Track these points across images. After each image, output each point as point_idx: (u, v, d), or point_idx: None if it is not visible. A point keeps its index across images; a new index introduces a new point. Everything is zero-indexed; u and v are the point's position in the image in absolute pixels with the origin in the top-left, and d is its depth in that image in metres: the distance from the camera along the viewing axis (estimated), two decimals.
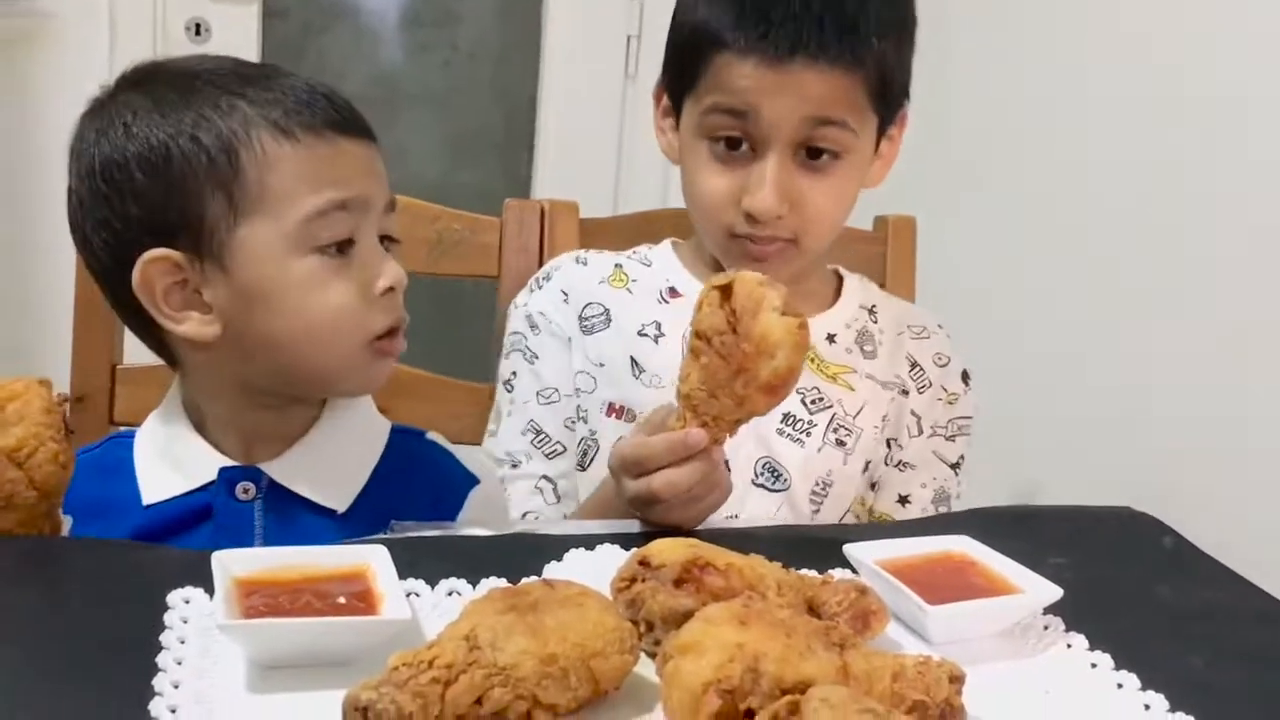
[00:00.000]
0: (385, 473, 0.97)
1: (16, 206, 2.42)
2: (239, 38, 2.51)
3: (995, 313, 2.00)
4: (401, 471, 0.99)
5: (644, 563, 0.72)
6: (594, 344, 1.18)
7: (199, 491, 0.91)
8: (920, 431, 1.20)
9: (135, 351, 1.32)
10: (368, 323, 0.89)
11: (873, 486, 1.20)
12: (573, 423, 1.19)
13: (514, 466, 1.17)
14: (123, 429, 0.99)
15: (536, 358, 1.20)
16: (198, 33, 2.54)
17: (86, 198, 0.88)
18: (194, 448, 0.92)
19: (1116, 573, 0.85)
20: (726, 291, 0.83)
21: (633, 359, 1.17)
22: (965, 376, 1.23)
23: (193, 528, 0.90)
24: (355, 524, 0.92)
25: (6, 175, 2.43)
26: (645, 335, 1.18)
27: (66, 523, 0.81)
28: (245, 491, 0.91)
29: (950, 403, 1.21)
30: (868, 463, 1.18)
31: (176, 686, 0.62)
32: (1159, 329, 1.74)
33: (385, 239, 0.92)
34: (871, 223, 1.46)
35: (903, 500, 1.19)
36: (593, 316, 1.19)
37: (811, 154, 1.07)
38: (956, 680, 0.64)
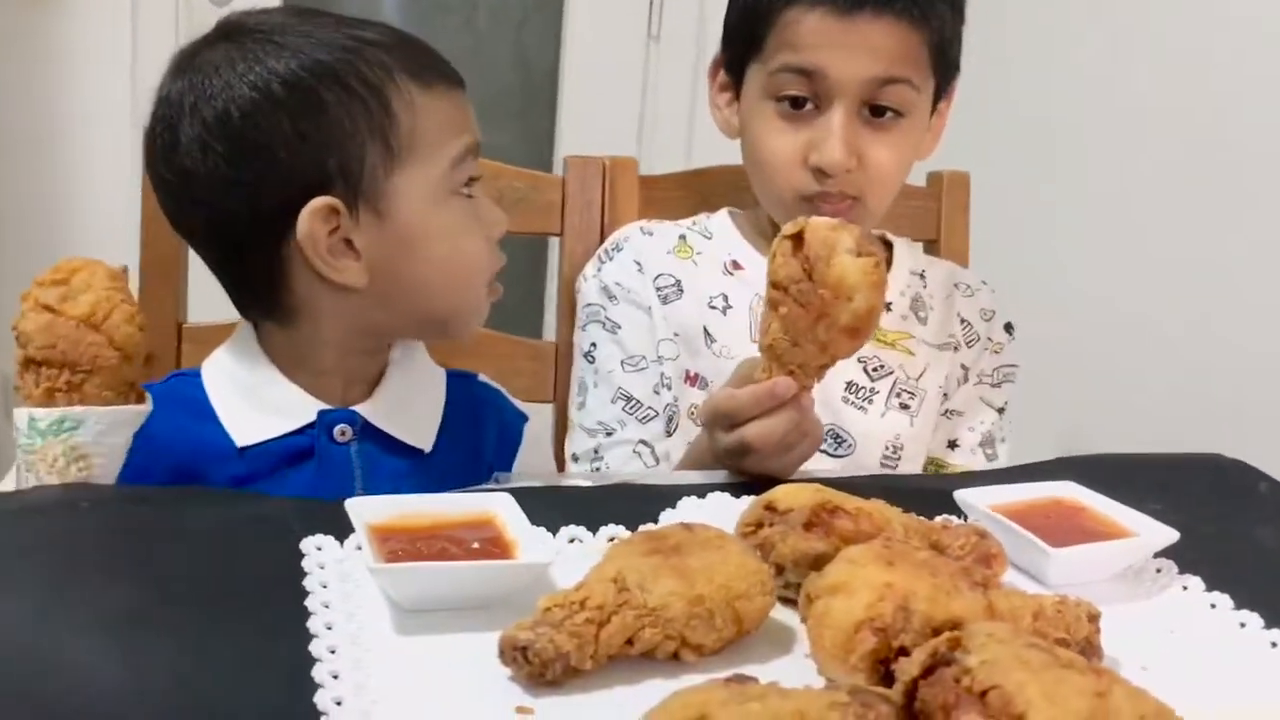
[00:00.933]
0: (453, 413, 0.99)
1: (50, 166, 2.41)
2: None
3: (1046, 267, 2.00)
4: (467, 411, 1.01)
5: (770, 508, 0.73)
6: (672, 313, 1.19)
7: (294, 435, 0.91)
8: (967, 381, 1.23)
9: (199, 310, 1.34)
10: (491, 264, 0.93)
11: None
12: (659, 389, 1.19)
13: (608, 435, 1.17)
14: (182, 369, 0.99)
15: (619, 327, 1.20)
16: None
17: (217, 152, 0.84)
18: (286, 391, 0.92)
19: (1217, 518, 0.86)
20: (798, 240, 0.84)
21: (705, 329, 1.18)
22: (1009, 328, 1.27)
23: (291, 469, 0.90)
24: (439, 463, 0.95)
25: (34, 135, 2.42)
26: (714, 307, 1.19)
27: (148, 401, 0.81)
28: (343, 434, 0.92)
29: (996, 352, 1.25)
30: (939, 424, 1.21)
31: (330, 628, 0.62)
32: (1207, 283, 1.75)
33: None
34: (925, 179, 1.46)
35: (951, 444, 1.23)
36: (666, 287, 1.20)
37: (875, 112, 1.10)
38: (1094, 619, 0.65)
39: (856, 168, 1.09)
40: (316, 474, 0.91)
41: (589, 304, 1.22)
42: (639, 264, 1.21)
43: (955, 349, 1.23)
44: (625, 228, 1.26)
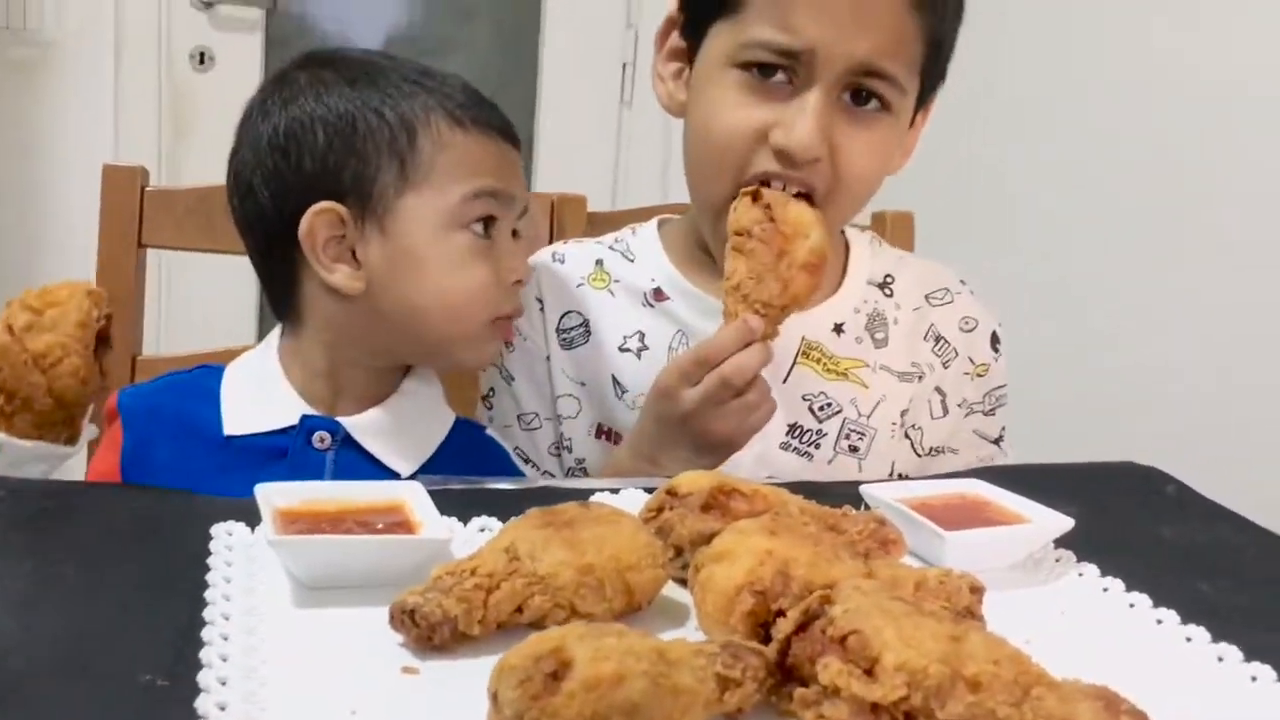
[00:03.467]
0: (448, 453, 1.02)
1: (26, 225, 2.46)
2: (243, 66, 2.56)
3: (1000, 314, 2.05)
4: (462, 455, 1.03)
5: (671, 492, 0.75)
6: (573, 361, 1.11)
7: (279, 434, 0.96)
8: (945, 411, 1.13)
9: (151, 344, 1.37)
10: (496, 304, 0.97)
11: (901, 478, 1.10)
12: (556, 449, 1.13)
13: None
14: (212, 363, 1.05)
15: (513, 379, 1.14)
16: (202, 61, 2.58)
17: (264, 152, 0.95)
18: (282, 392, 0.98)
19: (1123, 516, 0.87)
20: (755, 195, 0.95)
21: (614, 378, 1.10)
22: (995, 340, 1.16)
23: (267, 466, 0.93)
24: None
25: (14, 195, 2.47)
26: (627, 350, 1.10)
27: (90, 431, 0.85)
28: (321, 440, 0.96)
29: (980, 374, 1.15)
30: (893, 463, 1.11)
31: (228, 599, 0.64)
32: (1159, 321, 1.80)
33: (514, 234, 1.00)
34: (869, 218, 1.50)
35: None
36: (571, 329, 1.12)
37: (857, 99, 0.98)
38: (977, 591, 0.66)
39: (825, 158, 0.97)
40: (289, 475, 0.92)
41: None
42: (541, 301, 1.12)
43: (921, 377, 1.11)
44: (539, 252, 1.15)
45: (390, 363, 1.01)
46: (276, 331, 1.02)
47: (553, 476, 1.12)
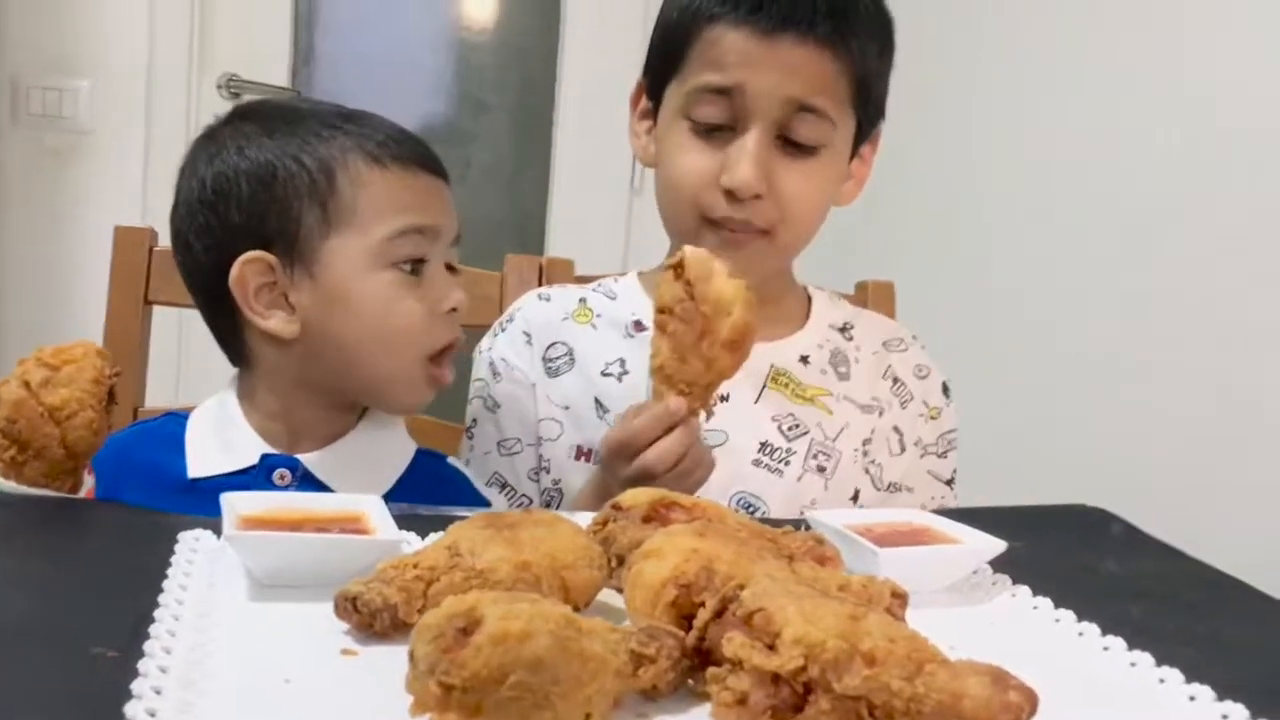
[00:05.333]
0: (409, 484, 1.06)
1: (53, 308, 2.54)
2: None
3: (974, 378, 2.08)
4: (424, 485, 1.06)
5: (616, 506, 0.78)
6: (558, 387, 1.20)
7: (240, 473, 1.00)
8: (903, 449, 1.21)
9: (169, 397, 1.43)
10: (430, 337, 1.01)
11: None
12: (535, 474, 1.20)
13: None
14: (178, 410, 1.09)
15: (498, 406, 1.21)
16: None
17: (195, 207, 0.99)
18: (242, 433, 1.02)
19: (1065, 550, 0.90)
20: (678, 269, 0.94)
21: (597, 400, 1.18)
22: (945, 389, 1.26)
23: None
24: None
25: (46, 278, 2.56)
26: (609, 374, 1.19)
27: (89, 481, 0.88)
28: (282, 478, 1.00)
29: (934, 418, 1.24)
30: (857, 490, 1.18)
31: (184, 589, 0.68)
32: (1132, 392, 1.82)
33: (449, 267, 1.04)
34: (853, 288, 1.55)
35: None
36: (557, 358, 1.21)
37: (792, 143, 1.09)
38: (899, 596, 0.69)
39: (767, 195, 1.08)
40: None
41: (476, 378, 1.24)
42: (527, 335, 1.22)
43: (881, 412, 1.20)
44: (526, 294, 1.28)
45: (339, 401, 1.04)
46: (234, 378, 1.06)
47: (529, 500, 1.18)
